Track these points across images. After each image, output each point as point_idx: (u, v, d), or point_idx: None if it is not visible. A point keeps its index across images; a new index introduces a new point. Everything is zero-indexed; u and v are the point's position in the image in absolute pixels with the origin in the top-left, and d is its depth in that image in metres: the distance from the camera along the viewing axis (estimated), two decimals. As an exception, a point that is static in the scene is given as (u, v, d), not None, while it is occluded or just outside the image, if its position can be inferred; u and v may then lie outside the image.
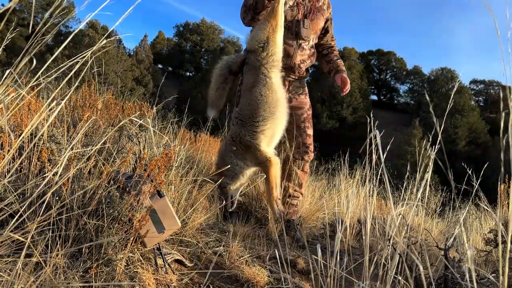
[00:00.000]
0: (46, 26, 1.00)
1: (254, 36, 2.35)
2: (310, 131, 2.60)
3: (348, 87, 2.58)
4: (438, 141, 1.11)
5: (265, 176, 2.35)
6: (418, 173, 1.20)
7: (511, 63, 0.75)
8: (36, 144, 1.23)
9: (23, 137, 1.05)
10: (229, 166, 2.26)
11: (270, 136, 2.37)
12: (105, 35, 1.36)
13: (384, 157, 0.86)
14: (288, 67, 2.48)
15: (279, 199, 2.42)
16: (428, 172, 1.07)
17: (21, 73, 1.15)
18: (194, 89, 34.38)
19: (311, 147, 2.60)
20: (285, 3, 2.37)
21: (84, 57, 1.07)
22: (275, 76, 2.36)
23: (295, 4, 2.44)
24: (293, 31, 2.43)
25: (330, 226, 2.87)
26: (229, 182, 2.37)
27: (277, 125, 2.37)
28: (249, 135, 2.32)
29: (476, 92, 54.62)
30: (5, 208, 1.06)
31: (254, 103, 2.32)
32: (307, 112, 2.61)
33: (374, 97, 57.22)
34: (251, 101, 2.32)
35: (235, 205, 2.45)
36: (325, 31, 2.62)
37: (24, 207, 1.04)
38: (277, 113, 2.33)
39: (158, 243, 1.38)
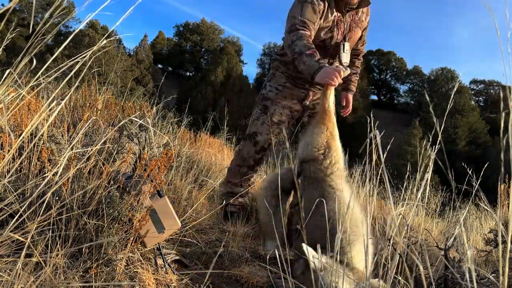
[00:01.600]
0: (46, 26, 1.00)
1: (310, 143, 1.90)
2: None
3: (349, 110, 2.51)
4: (438, 141, 1.11)
5: None
6: (418, 173, 1.20)
7: (511, 63, 0.75)
8: (36, 144, 1.23)
9: (23, 137, 1.05)
10: None
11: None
12: (105, 35, 1.35)
13: (384, 157, 0.86)
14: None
15: None
16: (428, 172, 1.07)
17: (21, 73, 1.15)
18: (194, 89, 34.43)
19: None
20: (322, 28, 2.12)
21: (84, 57, 1.07)
22: (346, 189, 1.77)
23: (335, 23, 2.18)
24: (330, 52, 2.22)
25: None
26: None
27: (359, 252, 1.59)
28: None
29: (476, 92, 54.76)
30: (5, 208, 1.06)
31: (327, 224, 1.47)
32: None
33: (374, 97, 57.41)
34: (323, 223, 1.54)
35: None
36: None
37: (24, 207, 1.04)
38: (360, 237, 1.59)
39: (158, 243, 1.39)
